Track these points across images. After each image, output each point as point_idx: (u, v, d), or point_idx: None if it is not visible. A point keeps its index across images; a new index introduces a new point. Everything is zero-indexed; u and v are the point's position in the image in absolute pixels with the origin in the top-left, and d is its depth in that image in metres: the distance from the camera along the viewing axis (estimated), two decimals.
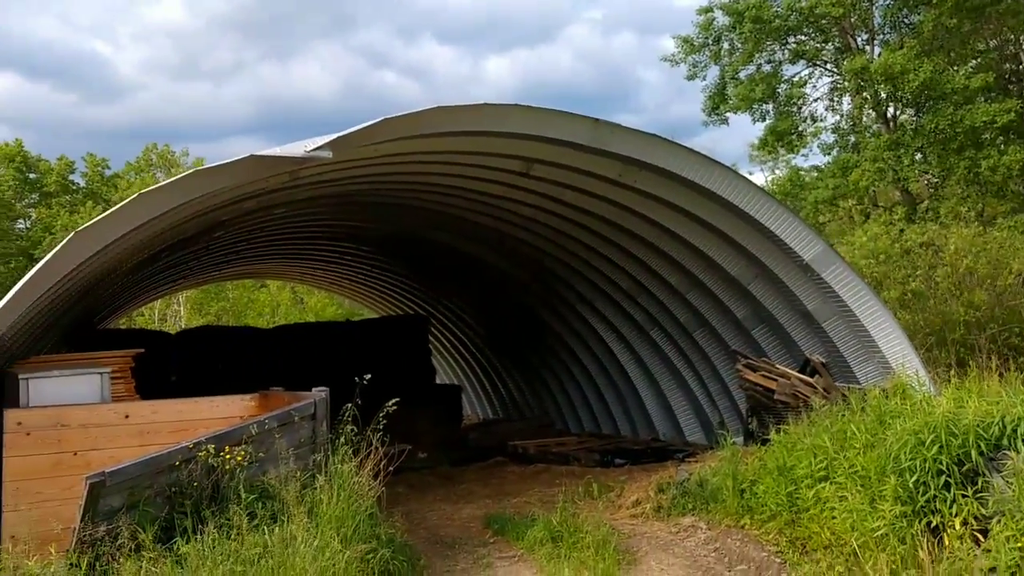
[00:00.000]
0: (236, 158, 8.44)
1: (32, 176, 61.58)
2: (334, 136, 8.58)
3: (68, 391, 9.15)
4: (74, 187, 62.01)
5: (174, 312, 43.01)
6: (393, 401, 8.27)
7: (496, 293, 18.50)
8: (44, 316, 9.83)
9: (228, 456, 7.41)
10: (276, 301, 39.97)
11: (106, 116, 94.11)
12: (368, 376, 8.56)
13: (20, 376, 8.91)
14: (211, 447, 7.41)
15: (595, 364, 16.77)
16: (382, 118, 8.79)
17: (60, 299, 9.69)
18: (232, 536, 6.88)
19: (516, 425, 18.97)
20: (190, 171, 8.57)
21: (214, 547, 6.75)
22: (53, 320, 11.05)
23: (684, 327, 14.21)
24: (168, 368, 16.75)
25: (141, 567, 6.70)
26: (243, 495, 7.28)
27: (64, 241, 7.99)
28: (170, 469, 7.35)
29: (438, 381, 23.02)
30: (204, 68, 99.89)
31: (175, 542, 7.02)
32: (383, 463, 8.00)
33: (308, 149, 8.63)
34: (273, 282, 40.17)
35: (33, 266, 8.18)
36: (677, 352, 14.80)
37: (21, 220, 61.40)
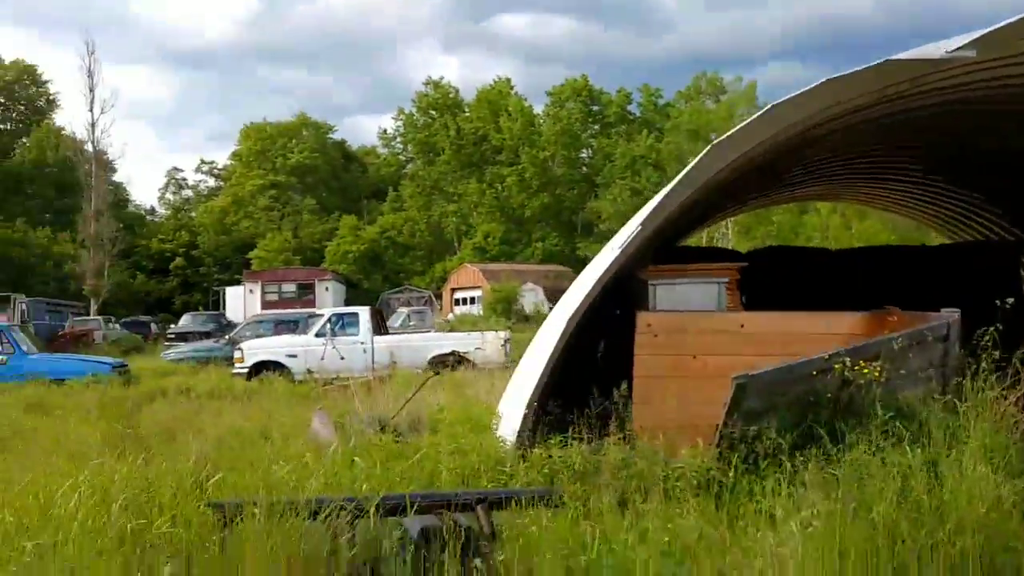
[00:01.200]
0: (866, 65, 8.03)
1: (594, 108, 67.99)
2: (982, 32, 7.69)
3: (689, 298, 9.71)
4: (631, 117, 67.10)
5: (722, 235, 44.40)
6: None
7: None
8: (670, 224, 10.53)
9: (865, 370, 7.20)
10: (825, 224, 38.98)
11: (651, 49, 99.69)
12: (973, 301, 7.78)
13: (650, 282, 9.66)
14: (847, 359, 7.26)
15: None
16: None
17: (682, 209, 10.24)
18: (872, 452, 6.70)
19: None
20: (823, 80, 8.33)
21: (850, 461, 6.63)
22: (669, 229, 11.81)
23: None
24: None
25: (782, 471, 6.84)
26: (879, 411, 7.03)
27: (703, 153, 8.35)
28: (806, 378, 7.38)
29: None
30: None
31: (809, 450, 7.04)
32: None
33: (949, 49, 7.88)
34: (823, 206, 39.21)
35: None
36: None
37: (585, 150, 68.38)
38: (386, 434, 9.68)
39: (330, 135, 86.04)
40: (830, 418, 7.33)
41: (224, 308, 56.49)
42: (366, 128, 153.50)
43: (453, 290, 56.81)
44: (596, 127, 67.41)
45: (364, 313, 21.93)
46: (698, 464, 7.18)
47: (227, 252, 74.65)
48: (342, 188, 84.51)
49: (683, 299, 9.75)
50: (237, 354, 21.23)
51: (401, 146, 76.63)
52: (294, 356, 21.03)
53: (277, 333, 24.56)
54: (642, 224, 8.57)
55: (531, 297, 49.03)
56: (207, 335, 40.23)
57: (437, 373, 11.29)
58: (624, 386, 8.72)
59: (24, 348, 19.15)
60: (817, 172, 18.62)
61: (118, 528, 5.30)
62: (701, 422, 9.15)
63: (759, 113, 8.64)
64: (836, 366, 7.35)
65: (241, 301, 54.67)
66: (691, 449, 7.41)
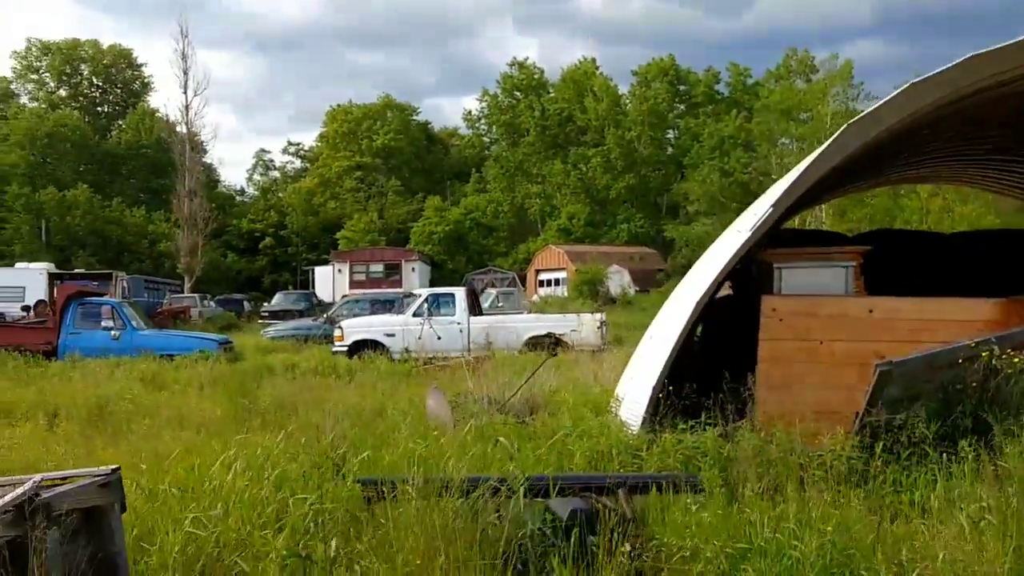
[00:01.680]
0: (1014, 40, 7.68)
1: (681, 88, 66.96)
2: None
3: (815, 281, 9.45)
4: (719, 96, 65.89)
5: (814, 218, 43.29)
6: None
7: None
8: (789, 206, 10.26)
9: (1015, 359, 6.91)
10: (925, 208, 37.69)
11: (730, 27, 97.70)
12: None
13: (775, 264, 9.43)
14: (995, 347, 6.98)
15: None
16: None
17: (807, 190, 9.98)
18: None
19: None
20: (969, 55, 7.98)
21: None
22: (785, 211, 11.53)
23: None
24: None
25: (927, 462, 6.62)
26: None
27: (839, 131, 8.10)
28: (950, 366, 7.13)
29: None
30: None
31: (955, 441, 6.79)
32: None
33: None
34: (923, 189, 37.91)
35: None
36: None
37: (671, 130, 67.47)
38: (505, 415, 9.73)
39: (414, 117, 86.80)
40: (974, 409, 7.07)
41: (313, 287, 57.64)
42: (445, 109, 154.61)
43: (537, 271, 56.83)
44: (682, 107, 66.44)
45: (460, 293, 22.08)
46: (838, 452, 6.98)
47: (315, 232, 76.11)
48: (425, 169, 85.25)
49: (809, 283, 9.49)
50: (337, 332, 21.61)
51: (485, 127, 76.73)
52: (392, 335, 21.30)
53: (373, 312, 24.92)
54: (773, 205, 8.37)
55: (617, 279, 48.72)
56: (299, 313, 41.12)
57: (554, 354, 11.26)
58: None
59: (135, 324, 19.80)
60: (932, 152, 17.95)
61: (277, 502, 5.41)
62: (827, 409, 8.96)
63: (902, 87, 8.33)
64: (983, 354, 7.08)
65: (330, 280, 55.80)
66: (831, 438, 7.21)
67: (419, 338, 21.03)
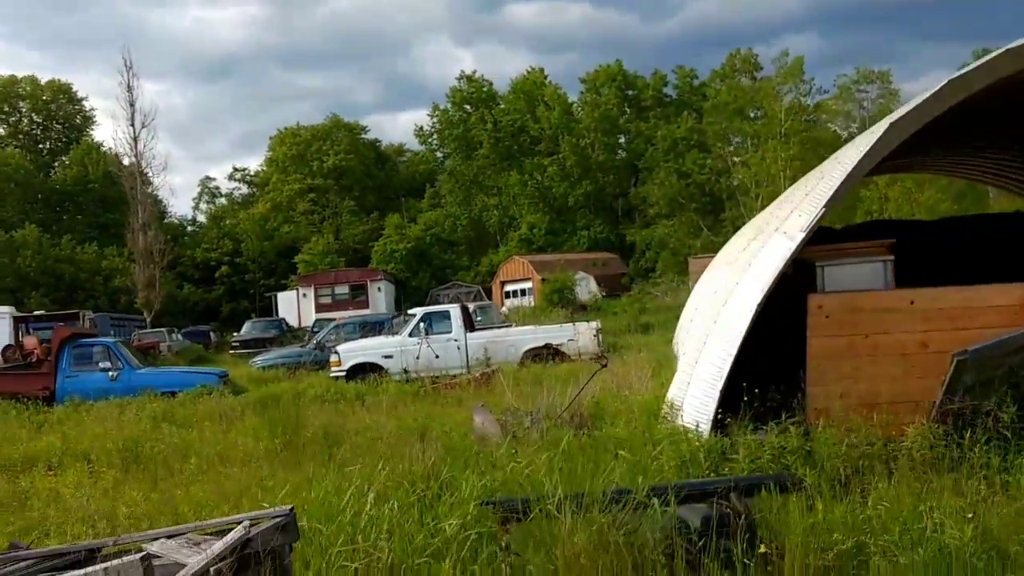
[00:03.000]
0: None
1: (630, 93, 67.74)
2: None
3: (856, 277, 9.75)
4: (667, 99, 66.79)
5: None
6: None
7: None
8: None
9: None
10: (884, 195, 38.73)
11: (665, 30, 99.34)
12: None
13: (817, 263, 9.71)
14: None
15: None
16: None
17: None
18: None
19: None
20: (998, 51, 8.32)
21: None
22: None
23: None
24: None
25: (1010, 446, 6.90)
26: None
27: (882, 130, 8.37)
28: (1017, 351, 7.43)
29: None
30: None
31: None
32: None
33: None
34: (881, 178, 38.93)
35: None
36: None
37: (623, 135, 68.15)
38: (561, 428, 9.84)
39: (362, 135, 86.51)
40: None
41: (276, 313, 57.04)
42: (386, 126, 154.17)
43: (503, 283, 56.92)
44: (632, 112, 67.18)
45: (455, 311, 22.13)
46: (921, 441, 7.23)
47: (271, 257, 75.27)
48: (377, 187, 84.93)
49: (851, 279, 9.80)
50: (334, 358, 21.49)
51: (437, 142, 76.73)
52: (390, 357, 21.26)
53: (363, 335, 24.81)
54: (825, 205, 8.63)
55: (584, 286, 49.01)
56: (270, 341, 40.70)
57: (604, 366, 11.39)
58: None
59: (132, 363, 19.48)
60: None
61: (425, 529, 5.47)
62: (876, 400, 9.24)
63: (929, 92, 8.64)
64: None
65: (294, 305, 55.27)
66: (912, 428, 7.46)
67: (417, 358, 21.04)
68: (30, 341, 33.11)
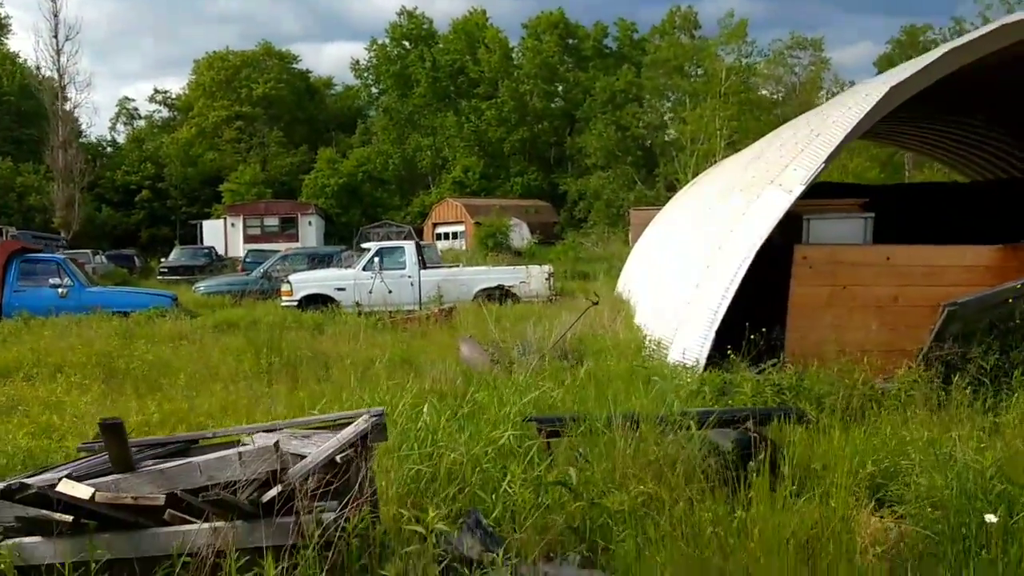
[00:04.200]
0: None
1: (571, 42, 67.64)
2: None
3: (838, 231, 10.35)
4: (607, 51, 66.96)
5: None
6: None
7: None
8: None
9: None
10: None
11: None
12: None
13: (804, 216, 10.24)
14: None
15: None
16: None
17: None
18: None
19: None
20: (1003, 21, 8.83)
21: None
22: None
23: None
24: None
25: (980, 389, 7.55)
26: None
27: (881, 95, 8.86)
28: (999, 305, 8.07)
29: None
30: None
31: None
32: None
33: None
34: None
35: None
36: None
37: (560, 83, 68.13)
38: (554, 361, 10.23)
39: (293, 65, 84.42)
40: (1020, 343, 8.07)
41: (201, 241, 55.82)
42: (310, 57, 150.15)
43: (435, 225, 56.87)
44: (572, 61, 67.14)
45: (410, 247, 22.23)
46: (910, 383, 7.84)
47: (194, 184, 73.21)
48: (306, 120, 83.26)
49: (834, 233, 10.39)
50: (285, 287, 21.42)
51: (373, 78, 75.43)
52: (342, 289, 21.30)
53: (312, 267, 24.71)
54: (825, 161, 9.11)
55: (518, 232, 49.36)
56: (199, 269, 40.05)
57: (595, 304, 11.77)
58: None
59: (82, 281, 19.08)
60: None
61: (483, 438, 5.79)
62: (850, 348, 9.89)
63: (932, 58, 9.14)
64: None
65: (220, 234, 54.19)
66: (901, 371, 8.07)
67: (370, 292, 21.14)
68: None
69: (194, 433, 5.17)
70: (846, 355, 9.31)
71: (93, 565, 3.78)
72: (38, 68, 58.29)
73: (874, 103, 8.95)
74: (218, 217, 59.69)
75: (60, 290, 18.41)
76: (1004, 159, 21.42)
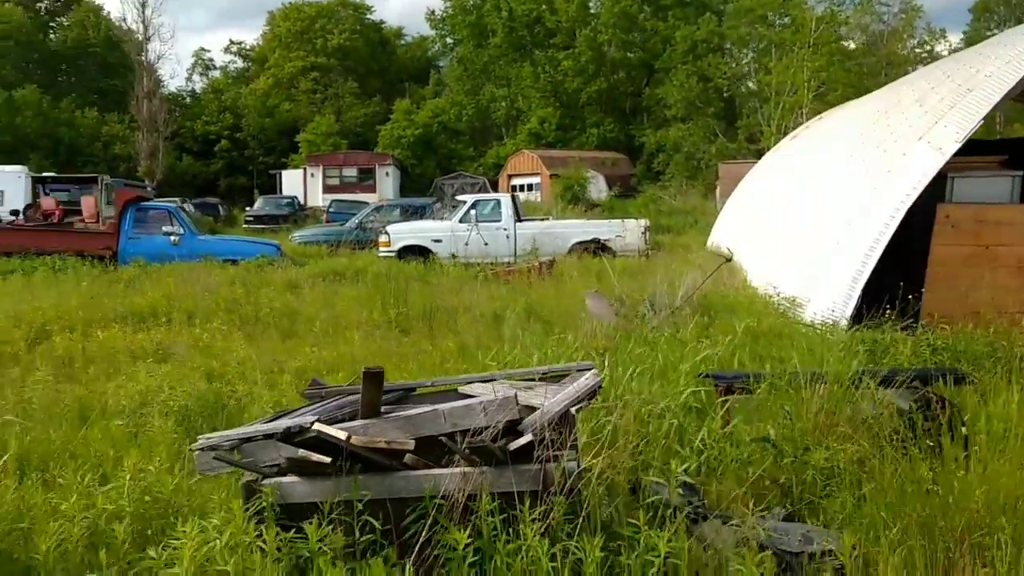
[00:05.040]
0: None
1: None
2: None
3: (985, 191, 10.10)
4: (688, 0, 65.87)
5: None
6: None
7: None
8: None
9: None
10: None
11: None
12: None
13: (949, 175, 10.01)
14: None
15: None
16: None
17: None
18: None
19: None
20: None
21: None
22: None
23: None
24: None
25: None
26: None
27: None
28: None
29: None
30: None
31: None
32: None
33: None
34: None
35: None
36: None
37: (639, 33, 67.03)
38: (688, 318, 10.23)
39: (368, 15, 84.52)
40: None
41: (280, 191, 56.69)
42: (381, 8, 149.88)
43: (510, 176, 56.75)
44: (651, 10, 65.74)
45: (506, 200, 22.31)
46: None
47: (271, 135, 74.24)
48: (380, 71, 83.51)
49: (978, 191, 10.15)
50: (383, 238, 21.73)
51: (448, 28, 75.03)
52: (439, 241, 21.53)
53: (405, 219, 24.98)
54: (984, 119, 8.87)
55: (595, 184, 49.07)
56: (284, 218, 40.80)
57: (728, 260, 11.73)
58: None
59: (193, 229, 19.62)
60: None
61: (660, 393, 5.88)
62: (989, 309, 9.72)
63: None
64: None
65: (299, 184, 54.92)
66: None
67: (467, 244, 21.33)
68: (47, 202, 33.08)
69: (413, 382, 5.35)
70: (980, 316, 9.18)
71: (357, 504, 3.97)
72: (123, 20, 59.27)
73: None
74: (296, 167, 60.45)
75: (172, 238, 18.97)
76: None
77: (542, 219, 24.83)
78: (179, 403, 6.73)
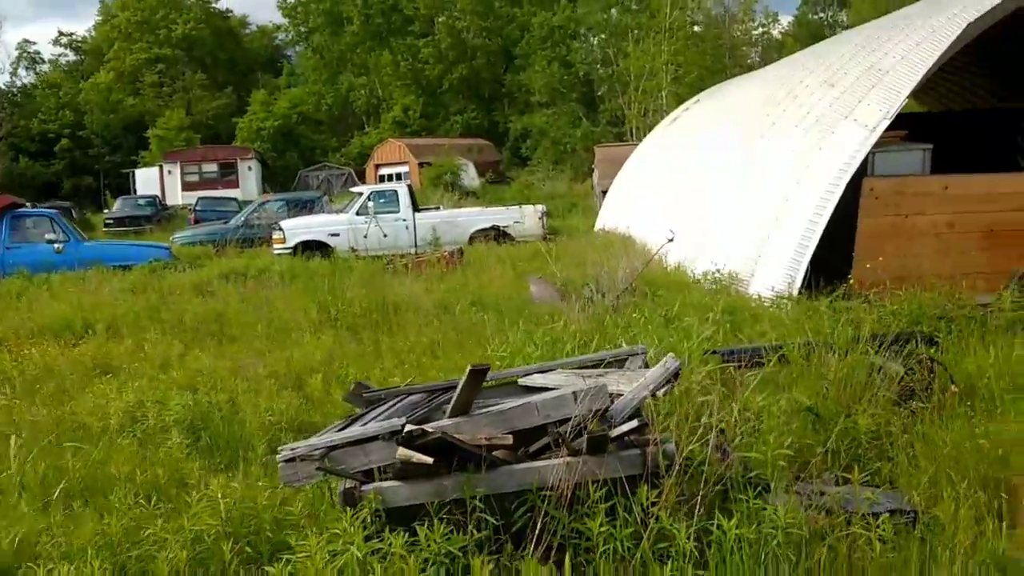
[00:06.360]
0: None
1: None
2: None
3: (900, 164, 10.78)
4: None
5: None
6: None
7: None
8: None
9: None
10: None
11: None
12: None
13: (871, 150, 10.62)
14: None
15: None
16: None
17: None
18: None
19: None
20: None
21: None
22: None
23: None
24: None
25: None
26: None
27: (960, 29, 9.20)
28: None
29: None
30: None
31: None
32: None
33: None
34: None
35: None
36: None
37: (496, 19, 67.29)
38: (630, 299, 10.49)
39: (212, 4, 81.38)
40: None
41: (134, 190, 53.98)
42: None
43: (377, 166, 56.06)
44: None
45: (403, 190, 22.08)
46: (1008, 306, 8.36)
47: (117, 132, 70.49)
48: (229, 61, 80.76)
49: (895, 165, 10.82)
50: (278, 235, 21.10)
51: (301, 16, 73.06)
52: (336, 235, 21.11)
53: (294, 215, 24.28)
54: (909, 96, 9.46)
55: (466, 172, 49.12)
56: (147, 219, 38.95)
57: (671, 240, 11.97)
58: None
59: (77, 236, 18.47)
60: None
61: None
62: (906, 274, 10.41)
63: None
64: None
65: (155, 183, 52.48)
66: (994, 296, 8.59)
67: (365, 236, 21.01)
68: None
69: (456, 380, 5.29)
70: (904, 281, 9.82)
71: (469, 502, 3.94)
72: None
73: (951, 40, 9.31)
74: (150, 165, 57.72)
75: (56, 246, 17.80)
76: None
77: (436, 208, 24.73)
78: (173, 416, 6.40)
